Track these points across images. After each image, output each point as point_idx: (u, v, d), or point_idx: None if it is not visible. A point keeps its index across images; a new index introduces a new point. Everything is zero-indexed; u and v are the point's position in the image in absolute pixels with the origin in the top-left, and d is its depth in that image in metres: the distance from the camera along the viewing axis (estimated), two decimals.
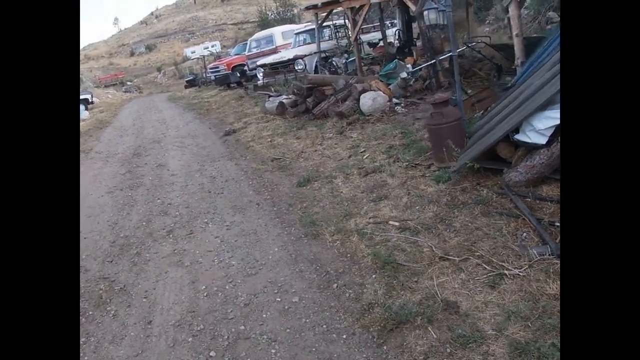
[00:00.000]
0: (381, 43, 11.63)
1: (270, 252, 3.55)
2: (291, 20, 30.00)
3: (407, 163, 4.91)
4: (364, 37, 11.95)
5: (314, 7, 10.14)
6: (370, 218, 3.85)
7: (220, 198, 4.99)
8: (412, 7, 7.98)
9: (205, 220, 4.39)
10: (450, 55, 6.28)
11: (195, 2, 56.90)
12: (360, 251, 3.33)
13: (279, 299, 2.91)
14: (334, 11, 11.30)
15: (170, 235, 4.16)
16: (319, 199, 4.46)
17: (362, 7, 9.70)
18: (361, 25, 9.48)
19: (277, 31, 15.38)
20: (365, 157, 5.41)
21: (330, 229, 3.72)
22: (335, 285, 2.98)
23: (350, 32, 11.82)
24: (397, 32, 10.23)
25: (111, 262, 3.85)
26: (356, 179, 4.82)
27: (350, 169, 5.10)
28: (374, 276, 2.99)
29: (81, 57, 49.28)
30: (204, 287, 3.18)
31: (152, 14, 64.23)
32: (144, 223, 4.60)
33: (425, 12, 5.22)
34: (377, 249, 3.30)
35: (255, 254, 3.57)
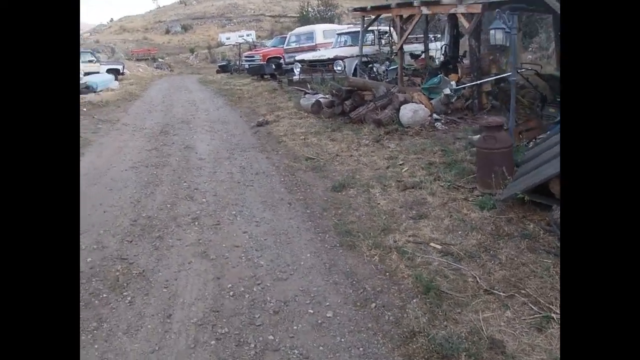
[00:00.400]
0: (423, 55, 11.36)
1: (302, 258, 3.32)
2: (330, 20, 29.81)
3: (448, 183, 4.65)
4: (406, 48, 11.67)
5: (362, 9, 9.91)
6: (410, 236, 3.61)
7: (249, 191, 4.77)
8: (466, 24, 7.70)
9: (234, 212, 4.18)
10: (508, 78, 6.01)
11: None
12: (400, 271, 3.10)
13: (312, 311, 2.68)
14: (380, 17, 11.07)
15: (196, 223, 3.95)
16: (354, 207, 4.22)
17: (411, 16, 9.44)
18: (409, 34, 9.22)
19: (318, 29, 15.18)
20: (404, 170, 5.16)
21: (368, 242, 3.48)
22: (373, 304, 2.74)
23: (396, 40, 11.57)
24: (443, 46, 9.96)
25: (131, 242, 3.65)
26: (394, 192, 4.57)
27: (388, 180, 4.85)
28: (414, 301, 2.76)
29: (116, 28, 49.76)
30: (229, 285, 2.96)
31: None
32: (168, 205, 4.40)
33: (492, 31, 4.94)
34: (418, 271, 3.06)
35: (285, 256, 3.34)
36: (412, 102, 7.33)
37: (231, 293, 2.87)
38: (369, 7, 9.51)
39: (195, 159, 6.20)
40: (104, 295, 2.89)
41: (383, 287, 2.94)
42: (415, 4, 8.17)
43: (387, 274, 3.09)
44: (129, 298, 2.87)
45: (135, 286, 2.99)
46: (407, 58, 11.54)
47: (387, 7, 9.17)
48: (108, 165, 6.03)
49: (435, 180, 4.79)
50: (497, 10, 4.80)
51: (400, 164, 5.37)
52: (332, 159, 5.74)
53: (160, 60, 32.22)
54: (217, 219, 4.01)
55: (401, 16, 9.09)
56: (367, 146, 6.27)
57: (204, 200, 4.52)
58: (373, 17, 10.42)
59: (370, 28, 11.28)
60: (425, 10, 8.30)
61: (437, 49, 13.56)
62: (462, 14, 7.66)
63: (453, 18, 9.57)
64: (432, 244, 3.48)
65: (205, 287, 2.94)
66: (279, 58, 17.25)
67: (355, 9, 10.12)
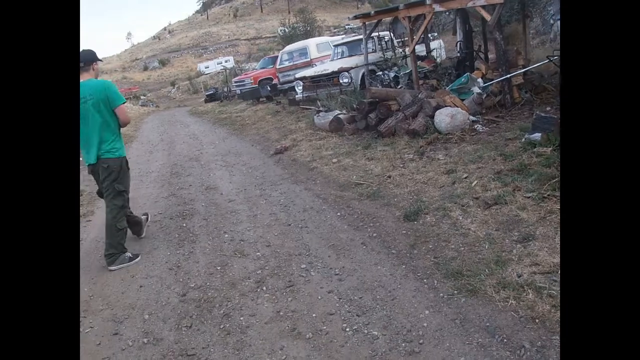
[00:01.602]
0: (434, 55, 10.82)
1: (420, 317, 2.59)
2: (309, 35, 29.31)
3: (532, 193, 3.97)
4: (408, 50, 11.12)
5: (365, 15, 9.33)
6: (531, 266, 2.92)
7: (307, 234, 4.03)
8: (487, 17, 7.12)
9: (303, 265, 3.42)
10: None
11: (207, 17, 56.80)
12: (550, 314, 2.40)
13: None
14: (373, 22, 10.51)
15: (263, 288, 3.18)
16: (444, 238, 3.51)
17: (419, 16, 8.89)
18: (421, 35, 8.65)
19: (312, 43, 14.56)
20: (473, 184, 4.47)
21: (491, 282, 2.78)
22: None
23: (396, 44, 11.04)
24: (458, 43, 9.41)
25: (190, 327, 2.86)
26: (477, 212, 3.87)
27: (462, 198, 4.16)
28: None
29: None
30: None
31: (164, 29, 64.27)
32: (217, 268, 3.63)
33: (558, 23, 4.34)
34: None
35: (399, 318, 2.61)
36: (446, 106, 6.69)
37: None
38: (372, 12, 8.93)
39: (224, 201, 5.44)
40: None
41: (542, 339, 2.25)
42: (427, 2, 7.58)
43: (537, 320, 2.39)
44: None
45: None
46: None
47: (395, 10, 8.58)
48: None
49: (515, 191, 4.11)
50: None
51: (465, 178, 4.69)
52: (383, 182, 5.03)
53: (142, 97, 31.49)
54: (288, 279, 3.25)
55: (409, 17, 8.52)
56: (414, 161, 5.58)
57: (258, 254, 3.76)
58: (375, 22, 9.86)
59: (362, 35, 10.72)
60: (437, 8, 7.72)
61: (437, 47, 13.09)
62: (482, 6, 7.09)
63: (464, 13, 9.03)
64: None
65: None
66: (271, 79, 16.64)
67: (356, 16, 9.55)
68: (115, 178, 3.89)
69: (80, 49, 3.78)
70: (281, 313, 2.82)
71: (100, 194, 4.12)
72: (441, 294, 2.80)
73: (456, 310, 2.62)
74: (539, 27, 14.99)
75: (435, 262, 3.17)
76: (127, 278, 3.70)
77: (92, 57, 3.88)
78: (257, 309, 2.92)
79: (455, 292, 2.79)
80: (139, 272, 3.81)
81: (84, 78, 3.81)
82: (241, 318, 2.84)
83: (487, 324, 2.46)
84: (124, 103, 3.92)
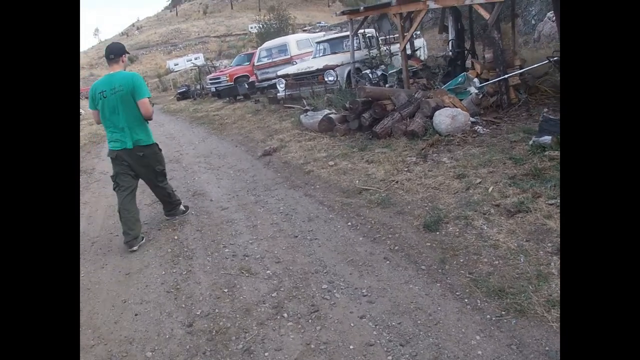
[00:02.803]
0: (417, 54, 10.61)
1: (472, 344, 2.30)
2: (281, 32, 28.80)
3: (556, 200, 3.76)
4: (394, 48, 10.90)
5: (354, 12, 9.02)
6: None
7: (318, 247, 3.66)
8: (485, 15, 6.94)
9: (324, 286, 3.06)
10: None
11: (177, 14, 55.23)
12: None
13: None
14: (358, 19, 10.23)
15: (284, 315, 2.79)
16: (474, 251, 3.22)
17: (410, 13, 8.67)
18: (413, 32, 8.40)
19: (292, 39, 14.10)
20: (489, 190, 4.22)
21: (539, 300, 2.53)
22: None
23: (388, 42, 10.79)
24: (450, 42, 9.22)
25: None
26: (501, 220, 3.62)
27: (481, 205, 3.91)
28: None
29: None
30: None
31: (133, 25, 62.12)
32: (224, 290, 3.21)
33: (541, 23, 4.13)
34: None
35: (448, 346, 2.29)
36: (445, 106, 6.45)
37: None
38: (361, 8, 8.62)
39: (216, 208, 5.00)
40: None
41: None
42: None
43: None
44: None
45: None
46: (399, 59, 10.76)
47: (384, 6, 8.30)
48: (107, 235, 4.74)
49: (535, 198, 3.89)
50: None
51: (479, 183, 4.44)
52: (391, 187, 4.72)
53: None
54: (310, 302, 2.88)
55: (401, 14, 8.26)
56: (418, 165, 5.29)
57: (268, 272, 3.37)
58: (362, 18, 9.57)
59: (347, 33, 10.42)
60: (432, 5, 7.49)
61: (421, 46, 12.94)
62: (480, 4, 6.90)
63: (456, 11, 8.85)
64: None
65: None
66: (248, 77, 16.12)
67: (343, 12, 9.21)
68: (153, 162, 4.29)
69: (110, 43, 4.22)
70: (312, 346, 2.45)
71: (114, 178, 4.22)
72: (488, 316, 2.51)
73: (509, 334, 2.34)
74: (521, 27, 15.07)
75: (472, 279, 2.88)
76: (118, 304, 3.24)
77: (121, 50, 4.10)
78: (282, 341, 2.53)
79: (503, 312, 2.51)
80: (131, 295, 3.34)
81: (114, 70, 4.03)
82: (266, 354, 2.44)
83: (547, 349, 2.21)
84: (148, 97, 4.06)
